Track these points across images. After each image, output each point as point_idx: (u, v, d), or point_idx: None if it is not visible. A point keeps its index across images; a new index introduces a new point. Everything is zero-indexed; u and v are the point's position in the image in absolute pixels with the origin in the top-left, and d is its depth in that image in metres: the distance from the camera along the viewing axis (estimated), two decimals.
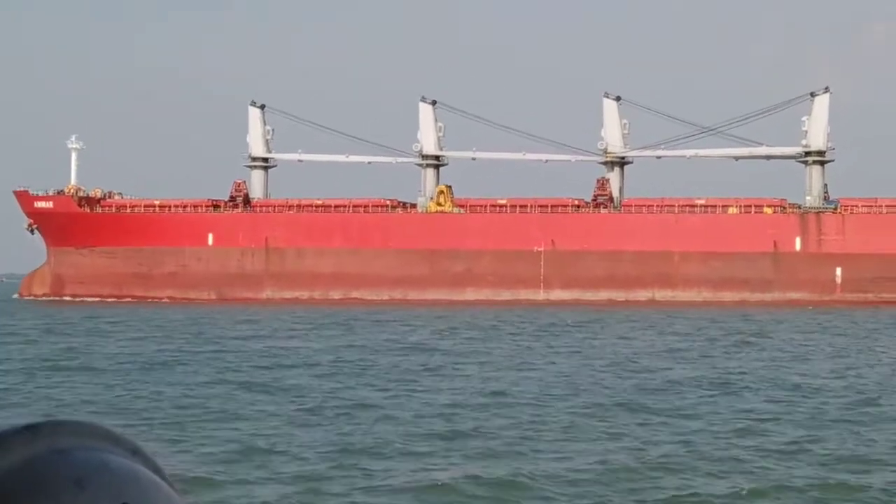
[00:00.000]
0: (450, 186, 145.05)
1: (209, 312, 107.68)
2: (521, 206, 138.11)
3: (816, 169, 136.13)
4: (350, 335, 74.98)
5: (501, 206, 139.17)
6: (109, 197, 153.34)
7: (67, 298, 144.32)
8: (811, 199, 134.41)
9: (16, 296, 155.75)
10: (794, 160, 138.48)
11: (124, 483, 1.59)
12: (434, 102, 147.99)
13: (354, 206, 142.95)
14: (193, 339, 72.18)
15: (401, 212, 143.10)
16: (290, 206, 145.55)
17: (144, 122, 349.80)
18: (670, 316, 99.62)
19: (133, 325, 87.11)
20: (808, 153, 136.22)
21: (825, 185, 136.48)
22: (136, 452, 1.68)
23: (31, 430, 1.57)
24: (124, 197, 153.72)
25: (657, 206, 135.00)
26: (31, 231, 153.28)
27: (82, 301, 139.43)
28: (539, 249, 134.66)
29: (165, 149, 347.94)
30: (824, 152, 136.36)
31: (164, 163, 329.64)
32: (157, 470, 1.69)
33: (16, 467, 1.53)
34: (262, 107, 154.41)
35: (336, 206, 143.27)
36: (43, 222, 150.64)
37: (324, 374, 48.60)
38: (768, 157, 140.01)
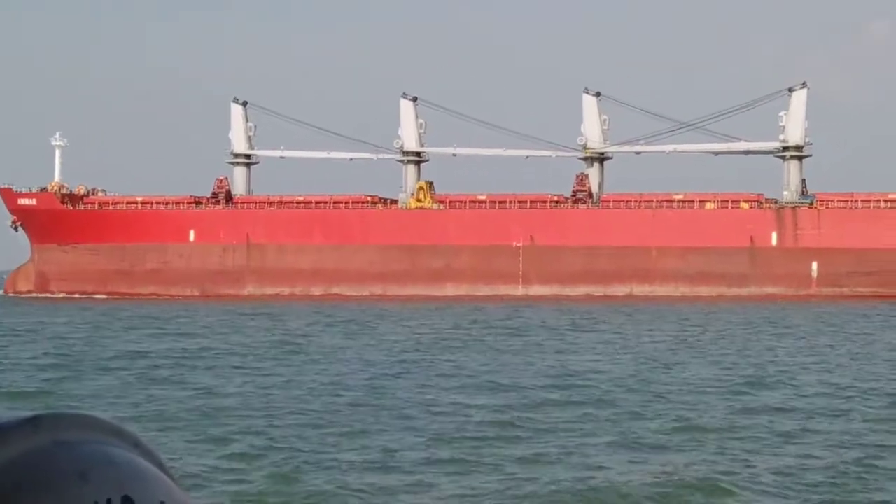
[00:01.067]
0: (431, 182, 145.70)
1: (237, 311, 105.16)
2: (500, 202, 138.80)
3: (794, 164, 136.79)
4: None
5: (481, 201, 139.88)
6: (93, 194, 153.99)
7: (49, 295, 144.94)
8: (788, 194, 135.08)
9: (0, 292, 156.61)
10: (772, 155, 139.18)
11: (127, 476, 1.60)
12: (415, 99, 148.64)
13: (335, 203, 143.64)
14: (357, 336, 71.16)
15: (381, 208, 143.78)
16: (270, 203, 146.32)
17: (129, 120, 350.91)
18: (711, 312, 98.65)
19: (193, 324, 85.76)
20: (785, 148, 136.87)
21: (803, 180, 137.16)
22: (137, 445, 1.68)
23: (33, 422, 1.57)
24: (108, 194, 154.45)
25: (635, 201, 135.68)
26: (15, 228, 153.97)
27: (69, 298, 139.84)
28: (518, 245, 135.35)
29: (150, 145, 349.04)
30: (802, 147, 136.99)
31: (148, 159, 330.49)
32: (158, 463, 1.70)
33: (18, 459, 1.53)
34: (245, 104, 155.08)
35: (317, 203, 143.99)
36: (27, 219, 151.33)
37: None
38: (747, 153, 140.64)
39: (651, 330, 76.95)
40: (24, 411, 1.58)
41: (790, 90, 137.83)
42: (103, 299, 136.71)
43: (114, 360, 55.21)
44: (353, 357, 56.66)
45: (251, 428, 32.75)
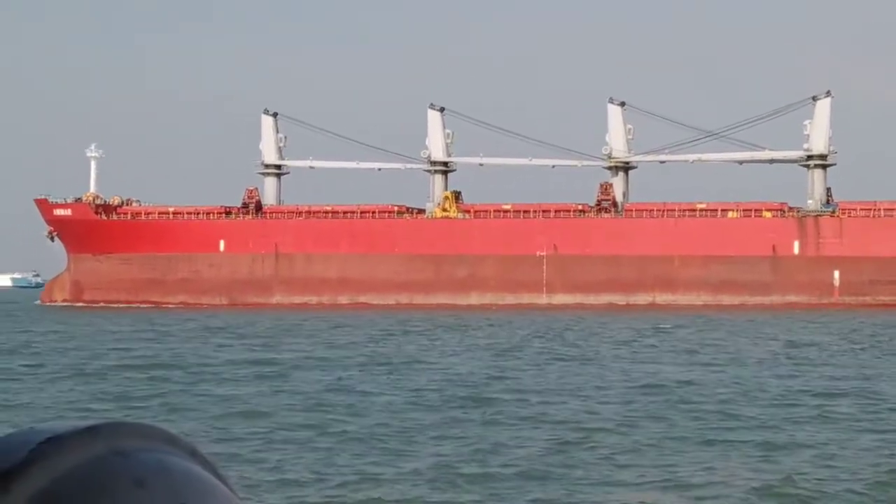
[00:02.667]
0: (458, 192, 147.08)
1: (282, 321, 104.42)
2: (524, 212, 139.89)
3: (818, 172, 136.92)
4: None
5: (505, 211, 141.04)
6: (128, 204, 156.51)
7: (81, 304, 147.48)
8: (812, 203, 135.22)
9: (37, 302, 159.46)
10: (796, 164, 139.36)
11: (183, 484, 1.62)
12: (442, 109, 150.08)
13: (362, 212, 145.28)
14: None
15: (407, 217, 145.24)
16: (298, 213, 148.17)
17: (164, 131, 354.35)
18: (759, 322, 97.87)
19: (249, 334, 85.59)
20: (809, 157, 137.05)
21: (828, 189, 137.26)
22: (194, 454, 1.71)
23: (91, 431, 1.60)
24: (142, 204, 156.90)
25: (658, 210, 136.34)
26: (52, 238, 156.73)
27: (104, 307, 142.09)
28: (542, 254, 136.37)
29: (184, 156, 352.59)
30: (826, 156, 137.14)
31: (182, 170, 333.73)
32: (215, 471, 1.72)
33: (77, 468, 1.55)
34: (275, 115, 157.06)
35: (344, 213, 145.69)
36: (62, 229, 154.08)
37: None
38: (771, 161, 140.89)
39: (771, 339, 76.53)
40: (84, 421, 1.62)
41: (814, 98, 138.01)
42: (136, 308, 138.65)
43: (258, 367, 56.06)
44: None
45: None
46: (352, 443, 32.12)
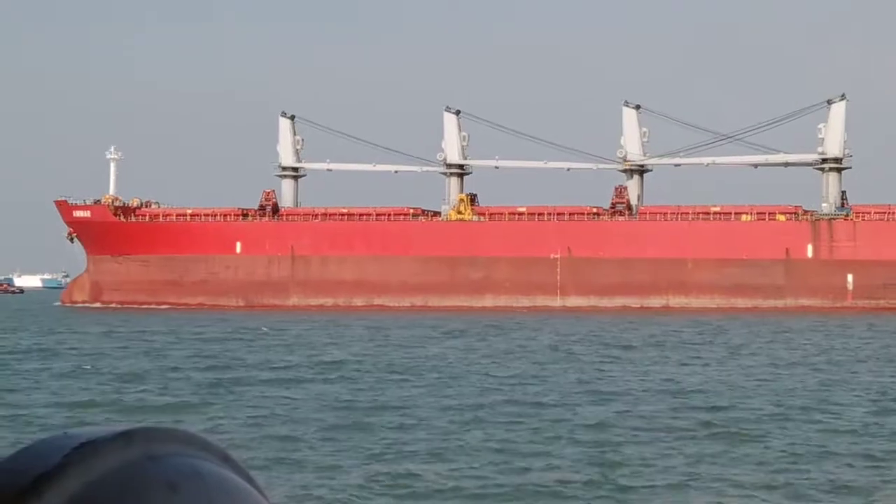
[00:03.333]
0: (474, 195, 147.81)
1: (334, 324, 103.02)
2: (538, 214, 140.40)
3: (833, 176, 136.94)
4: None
5: (520, 214, 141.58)
6: (147, 206, 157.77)
7: (100, 305, 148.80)
8: (827, 206, 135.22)
9: (57, 303, 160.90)
10: (811, 167, 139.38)
11: (216, 489, 1.64)
12: (458, 112, 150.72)
13: (377, 215, 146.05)
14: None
15: (423, 220, 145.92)
16: (315, 215, 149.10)
17: (184, 133, 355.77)
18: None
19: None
20: (824, 160, 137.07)
21: (843, 192, 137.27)
22: (226, 460, 1.72)
23: (125, 436, 1.62)
24: (161, 206, 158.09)
25: (671, 213, 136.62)
26: (71, 239, 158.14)
27: (127, 308, 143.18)
28: (555, 257, 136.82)
29: (203, 158, 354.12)
30: (841, 159, 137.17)
31: (201, 172, 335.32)
32: (247, 477, 1.73)
33: (111, 473, 1.57)
34: (293, 117, 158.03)
35: (360, 215, 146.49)
36: (82, 231, 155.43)
37: None
38: (786, 165, 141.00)
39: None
40: (118, 425, 1.64)
41: (829, 102, 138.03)
42: (160, 308, 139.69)
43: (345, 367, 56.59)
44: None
45: None
46: None
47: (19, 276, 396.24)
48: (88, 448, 1.59)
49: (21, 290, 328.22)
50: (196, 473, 1.64)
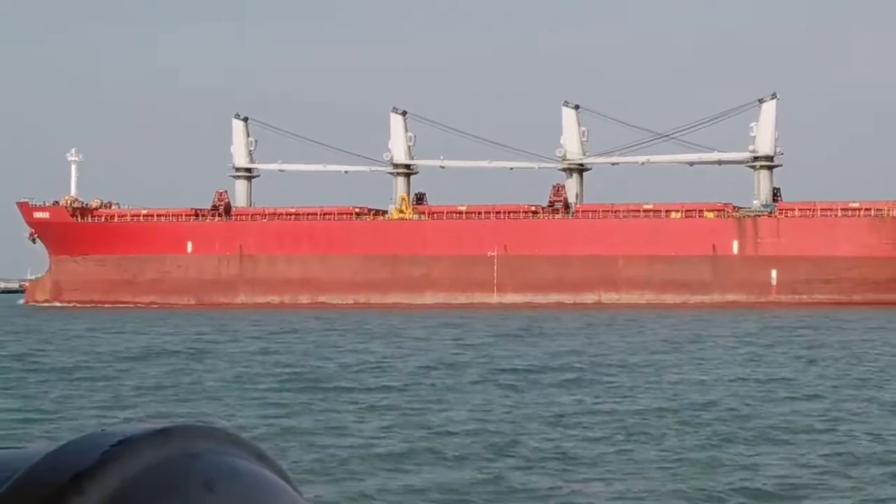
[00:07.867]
0: (422, 194, 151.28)
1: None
2: (477, 213, 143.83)
3: (764, 173, 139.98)
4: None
5: (459, 212, 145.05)
6: (107, 207, 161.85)
7: (59, 304, 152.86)
8: (758, 204, 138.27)
9: (21, 302, 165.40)
10: (744, 165, 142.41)
11: (251, 487, 1.69)
12: (405, 113, 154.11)
13: (324, 214, 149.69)
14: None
15: (367, 219, 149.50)
16: (263, 215, 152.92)
17: (142, 133, 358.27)
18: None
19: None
20: (756, 158, 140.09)
21: (776, 189, 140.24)
22: (261, 457, 1.76)
23: (164, 433, 1.66)
24: (121, 207, 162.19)
25: (604, 211, 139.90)
26: (33, 240, 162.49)
27: (82, 307, 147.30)
28: (492, 254, 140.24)
29: (162, 159, 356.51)
30: (772, 157, 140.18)
31: (160, 172, 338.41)
32: (282, 475, 1.78)
33: (148, 470, 1.62)
34: (246, 119, 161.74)
35: (306, 215, 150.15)
36: (42, 232, 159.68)
37: None
38: (720, 163, 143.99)
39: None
40: (156, 422, 1.69)
41: (760, 101, 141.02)
42: (122, 307, 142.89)
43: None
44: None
45: None
46: None
47: None
48: (126, 445, 1.62)
49: None
50: (232, 471, 1.68)
